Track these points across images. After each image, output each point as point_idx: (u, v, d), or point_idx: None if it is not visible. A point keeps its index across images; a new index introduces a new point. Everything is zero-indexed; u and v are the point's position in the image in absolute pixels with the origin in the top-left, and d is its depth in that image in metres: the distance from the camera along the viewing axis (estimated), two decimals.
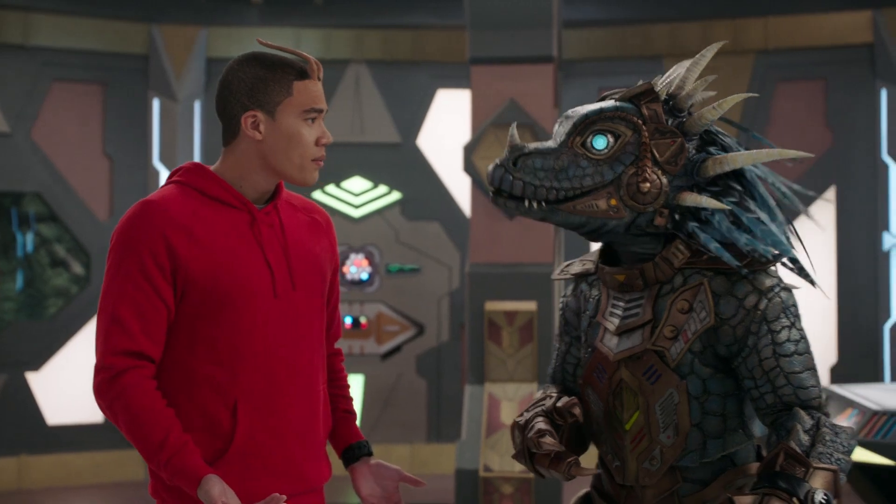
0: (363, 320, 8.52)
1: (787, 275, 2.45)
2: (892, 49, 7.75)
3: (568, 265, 2.58)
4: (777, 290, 2.27)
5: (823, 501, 2.09)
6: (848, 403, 5.13)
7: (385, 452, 8.40)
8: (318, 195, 8.55)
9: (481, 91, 6.40)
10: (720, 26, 8.16)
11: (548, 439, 2.32)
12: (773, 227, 2.30)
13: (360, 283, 8.55)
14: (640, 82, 2.39)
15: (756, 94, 2.49)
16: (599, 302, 2.43)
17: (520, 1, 6.29)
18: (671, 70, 2.42)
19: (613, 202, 2.27)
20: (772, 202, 2.35)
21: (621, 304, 2.36)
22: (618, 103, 2.31)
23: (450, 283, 8.53)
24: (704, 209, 2.29)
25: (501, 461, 5.99)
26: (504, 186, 2.29)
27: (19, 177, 7.97)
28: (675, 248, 2.30)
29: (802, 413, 2.21)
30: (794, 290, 2.33)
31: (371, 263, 8.57)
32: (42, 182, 8.03)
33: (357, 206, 8.61)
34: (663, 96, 2.34)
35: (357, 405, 8.44)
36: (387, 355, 8.56)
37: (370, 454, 2.61)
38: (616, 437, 2.35)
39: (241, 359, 2.34)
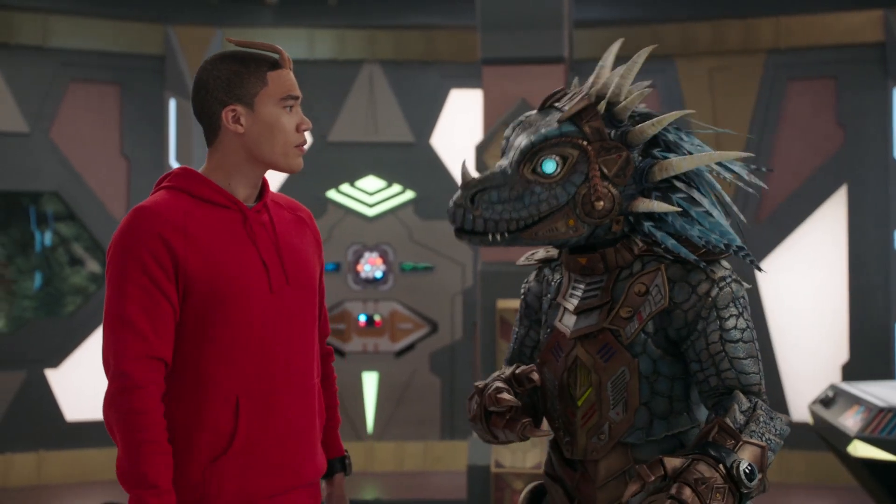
0: (377, 318, 8.57)
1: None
2: None
3: (533, 252, 2.69)
4: (728, 280, 2.38)
5: (747, 471, 2.18)
6: (854, 400, 5.17)
7: (398, 449, 8.46)
8: (332, 194, 8.61)
9: (493, 91, 6.43)
10: (731, 26, 8.18)
11: (505, 395, 2.41)
12: (718, 216, 2.40)
13: (374, 281, 8.60)
14: (577, 86, 2.47)
15: (693, 111, 2.54)
16: (561, 285, 2.54)
17: (530, 2, 6.31)
18: (604, 66, 2.47)
19: (571, 222, 2.38)
20: (718, 189, 2.44)
21: (581, 286, 2.46)
22: (561, 128, 2.38)
23: (463, 281, 8.57)
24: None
25: (513, 457, 6.04)
26: (466, 225, 2.38)
27: (38, 176, 8.06)
28: (633, 241, 2.42)
29: (742, 396, 2.31)
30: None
31: (385, 262, 8.62)
32: (60, 181, 8.12)
33: (371, 206, 8.66)
34: (602, 109, 2.40)
35: (371, 402, 8.56)
36: (401, 353, 8.61)
37: (344, 470, 2.68)
38: (568, 412, 2.45)
39: (241, 356, 2.38)
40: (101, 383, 2.38)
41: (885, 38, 7.85)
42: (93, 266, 8.23)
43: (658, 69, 8.07)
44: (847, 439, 4.97)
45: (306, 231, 2.59)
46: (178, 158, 8.25)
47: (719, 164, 2.45)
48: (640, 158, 2.41)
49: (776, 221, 8.05)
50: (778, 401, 7.95)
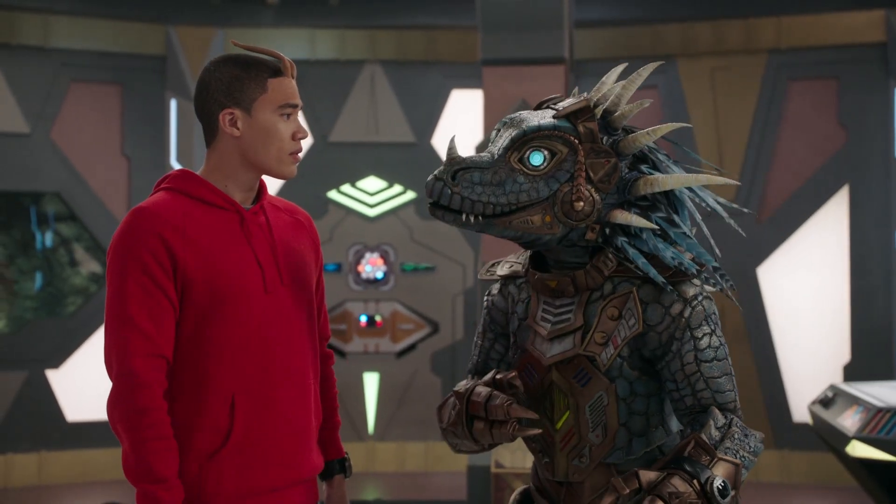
0: (378, 319, 8.58)
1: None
2: None
3: (493, 265, 2.66)
4: (700, 298, 2.38)
5: (720, 488, 2.18)
6: (853, 401, 5.17)
7: (399, 450, 8.46)
8: (333, 194, 8.62)
9: (493, 92, 6.44)
10: (733, 26, 8.18)
11: (516, 406, 2.37)
12: (693, 241, 2.40)
13: (375, 281, 8.61)
14: (578, 94, 2.46)
15: (689, 125, 2.54)
16: (529, 305, 2.51)
17: (531, 2, 6.31)
18: (605, 82, 2.47)
19: (548, 218, 2.35)
20: (697, 218, 2.44)
21: (552, 308, 2.45)
22: (556, 121, 2.37)
23: (464, 281, 8.57)
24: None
25: (513, 458, 6.04)
26: (442, 200, 2.37)
27: (38, 176, 8.07)
28: (605, 257, 2.39)
29: (717, 412, 2.32)
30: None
31: (386, 262, 8.63)
32: (61, 182, 8.13)
33: (372, 206, 8.67)
34: (599, 114, 2.39)
35: (372, 403, 8.55)
36: (402, 353, 8.61)
37: (344, 472, 2.70)
38: (545, 435, 2.45)
39: (237, 355, 2.40)
40: (102, 384, 2.39)
41: (887, 38, 7.84)
42: (94, 266, 8.24)
43: (659, 69, 8.07)
44: (846, 439, 4.97)
45: (304, 234, 2.61)
46: (179, 159, 8.26)
47: (701, 194, 2.44)
48: (627, 170, 2.40)
49: (777, 222, 8.04)
50: (779, 401, 7.95)
